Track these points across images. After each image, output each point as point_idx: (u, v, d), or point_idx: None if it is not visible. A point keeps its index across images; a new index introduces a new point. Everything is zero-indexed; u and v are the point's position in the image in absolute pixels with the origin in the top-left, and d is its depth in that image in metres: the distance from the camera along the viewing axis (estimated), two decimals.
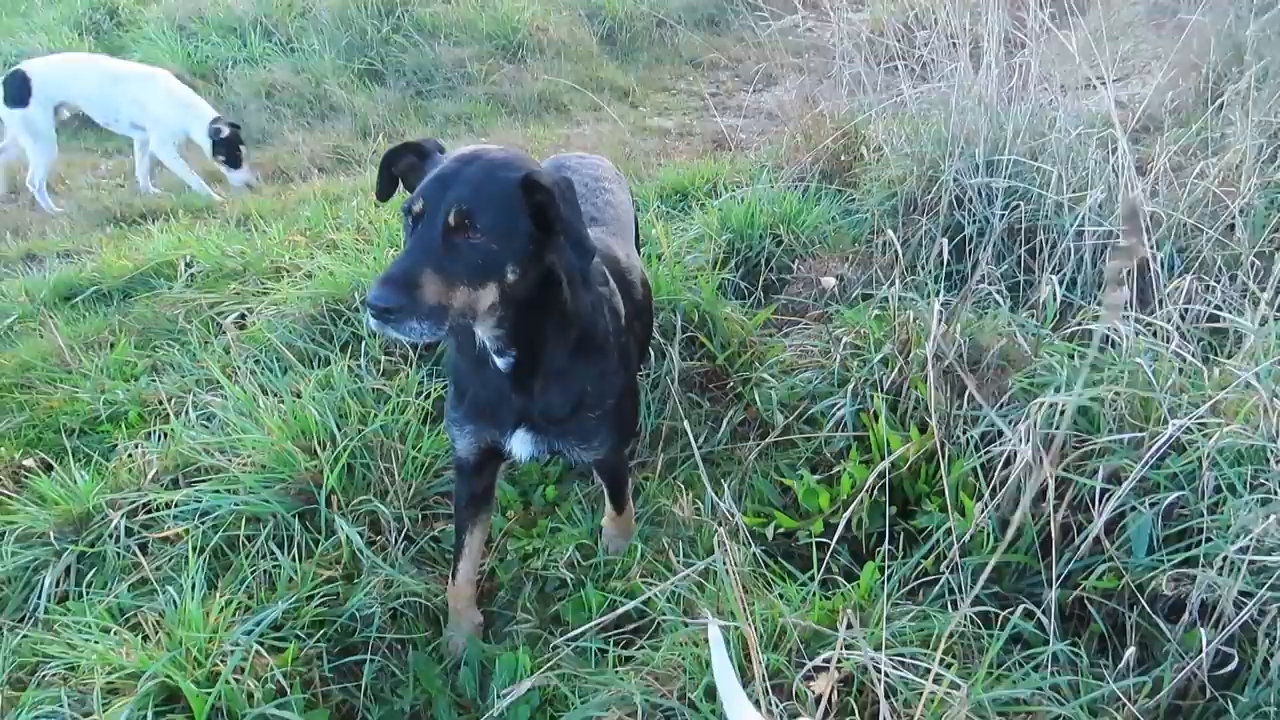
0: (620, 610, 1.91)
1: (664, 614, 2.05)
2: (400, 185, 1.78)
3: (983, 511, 2.19)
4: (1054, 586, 1.95)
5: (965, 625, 1.98)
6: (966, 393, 2.52)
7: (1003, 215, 3.34)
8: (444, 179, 1.57)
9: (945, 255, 2.73)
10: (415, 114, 6.65)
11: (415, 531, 2.49)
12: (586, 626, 1.99)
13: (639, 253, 2.85)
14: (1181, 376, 2.29)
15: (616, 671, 1.97)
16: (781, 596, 2.05)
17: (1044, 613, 1.97)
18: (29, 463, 2.84)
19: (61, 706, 1.93)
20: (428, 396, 2.81)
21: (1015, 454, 2.19)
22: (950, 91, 3.66)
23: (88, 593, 2.33)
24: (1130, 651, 1.82)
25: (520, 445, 1.93)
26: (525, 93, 7.02)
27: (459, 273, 1.52)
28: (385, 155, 1.76)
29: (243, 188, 5.44)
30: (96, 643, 2.02)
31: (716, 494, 2.56)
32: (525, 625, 2.27)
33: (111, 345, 3.40)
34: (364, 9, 7.53)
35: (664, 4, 8.53)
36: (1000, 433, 2.39)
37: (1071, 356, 2.50)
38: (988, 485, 2.24)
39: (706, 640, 1.84)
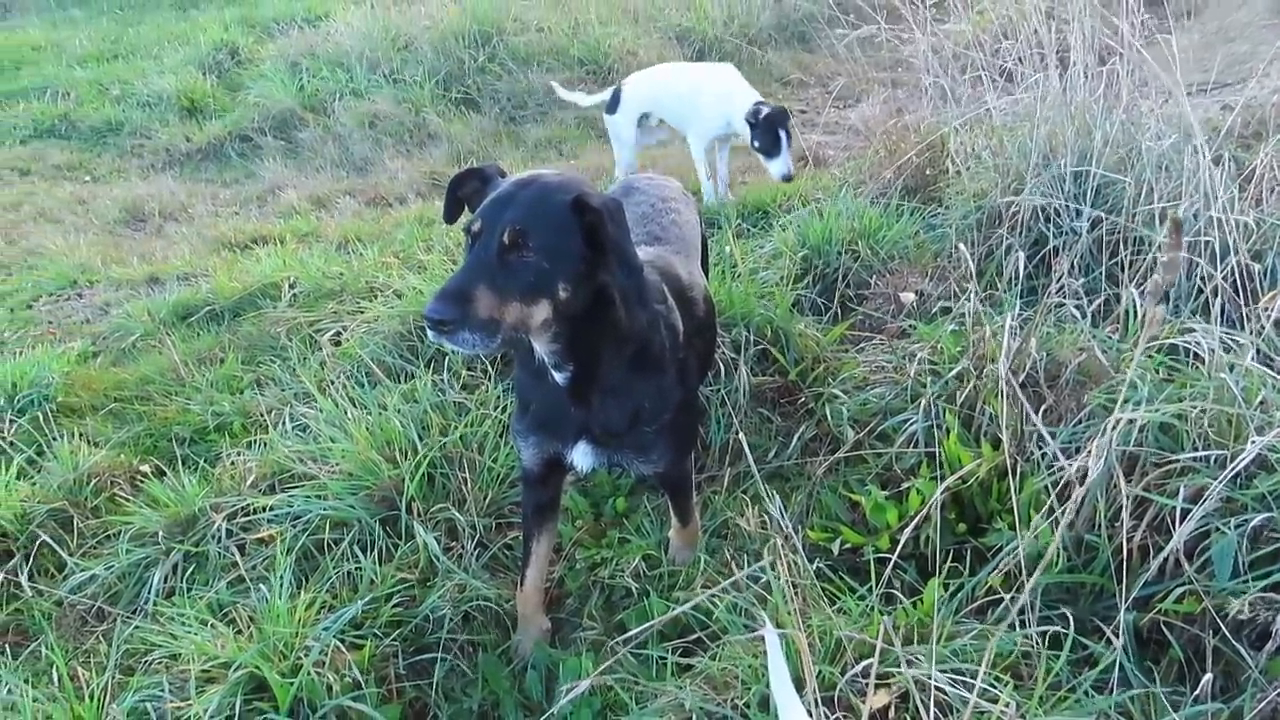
0: (674, 613, 1.95)
1: (724, 625, 2.08)
2: (466, 209, 1.89)
3: (1055, 530, 2.14)
4: (1126, 607, 1.89)
5: (1032, 646, 1.93)
6: (1042, 409, 2.46)
7: (1090, 228, 3.24)
8: (501, 201, 1.66)
9: (1022, 269, 2.67)
10: (508, 139, 6.88)
11: (489, 538, 2.59)
12: (645, 628, 2.04)
13: (708, 270, 2.89)
14: (1274, 392, 2.18)
15: (675, 679, 2.01)
16: (841, 611, 2.04)
17: (1116, 635, 1.91)
18: (145, 468, 3.08)
19: (163, 691, 2.09)
20: (505, 410, 2.92)
21: (1090, 471, 2.14)
22: (1037, 102, 3.58)
23: (191, 589, 2.52)
24: (1208, 678, 1.75)
25: (581, 457, 2.00)
26: None
27: (512, 289, 1.61)
28: (451, 181, 1.87)
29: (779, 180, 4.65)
30: (195, 635, 2.18)
31: (784, 508, 2.58)
32: (591, 632, 2.33)
33: (221, 361, 3.65)
34: (461, 40, 7.85)
35: (753, 23, 8.58)
36: (1077, 449, 2.33)
37: (1156, 372, 2.42)
38: (1061, 504, 2.18)
39: (764, 651, 1.86)
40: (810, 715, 1.64)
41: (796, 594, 2.09)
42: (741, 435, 1.91)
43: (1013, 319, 2.52)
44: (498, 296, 1.59)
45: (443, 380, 3.08)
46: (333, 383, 3.11)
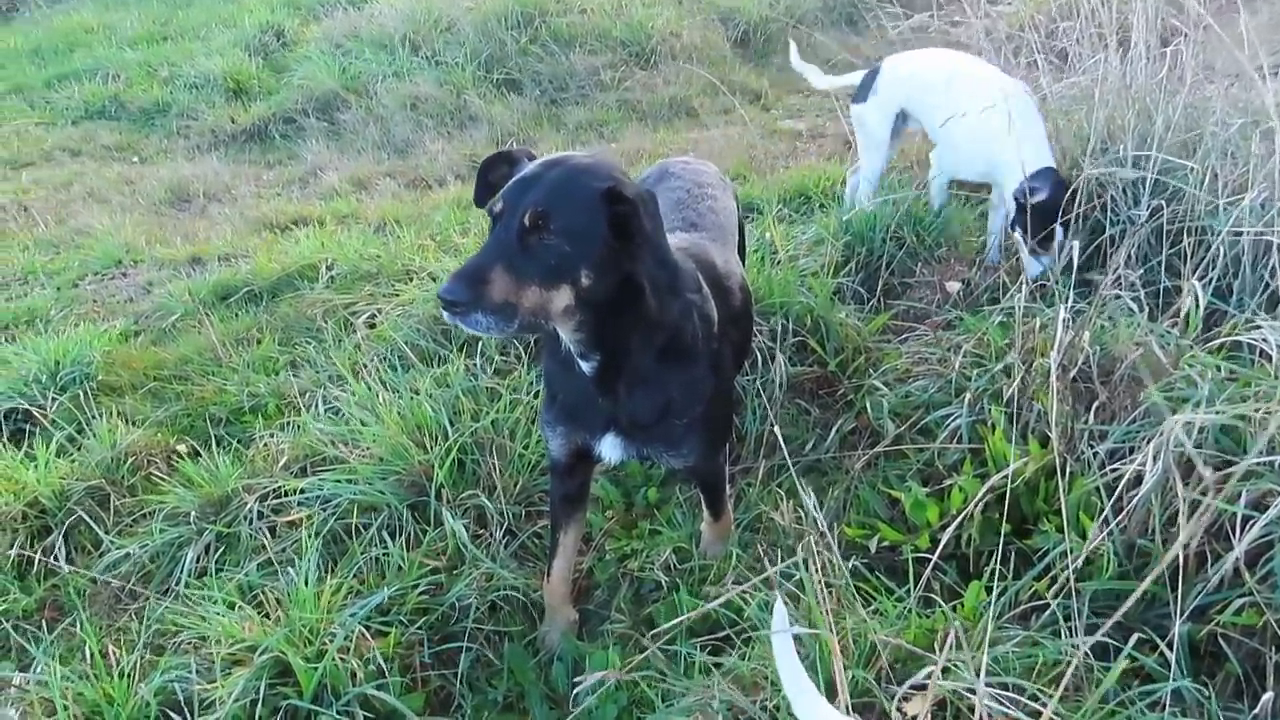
0: (703, 610, 1.90)
1: (754, 623, 2.02)
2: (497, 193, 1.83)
3: (1106, 534, 2.05)
4: (1182, 617, 1.79)
5: (1078, 655, 1.84)
6: (1094, 405, 2.36)
7: (1149, 215, 3.09)
8: (525, 181, 1.61)
9: (1076, 259, 2.55)
10: (548, 122, 6.82)
11: (518, 526, 2.56)
12: (672, 624, 1.98)
13: (746, 257, 2.81)
14: None
15: (704, 677, 1.95)
16: (877, 612, 1.97)
17: (1169, 647, 1.81)
18: (182, 448, 3.09)
19: (190, 673, 2.10)
20: (537, 395, 2.88)
21: (1146, 473, 2.04)
22: (1094, 85, 3.43)
23: (222, 570, 2.52)
24: (1268, 696, 1.65)
25: (610, 449, 1.95)
26: (656, 98, 7.07)
27: (530, 272, 1.55)
28: (482, 164, 1.82)
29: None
30: (222, 617, 2.17)
31: (820, 503, 2.50)
32: (619, 625, 2.28)
33: (258, 342, 3.66)
34: (504, 21, 7.80)
35: (800, 4, 8.40)
36: (1131, 450, 2.22)
37: (1218, 369, 2.29)
38: (1113, 506, 2.08)
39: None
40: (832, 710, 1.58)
41: (830, 594, 2.02)
42: (776, 428, 1.84)
43: (1065, 311, 2.41)
44: (515, 279, 1.54)
45: (475, 365, 3.05)
46: (365, 366, 3.10)
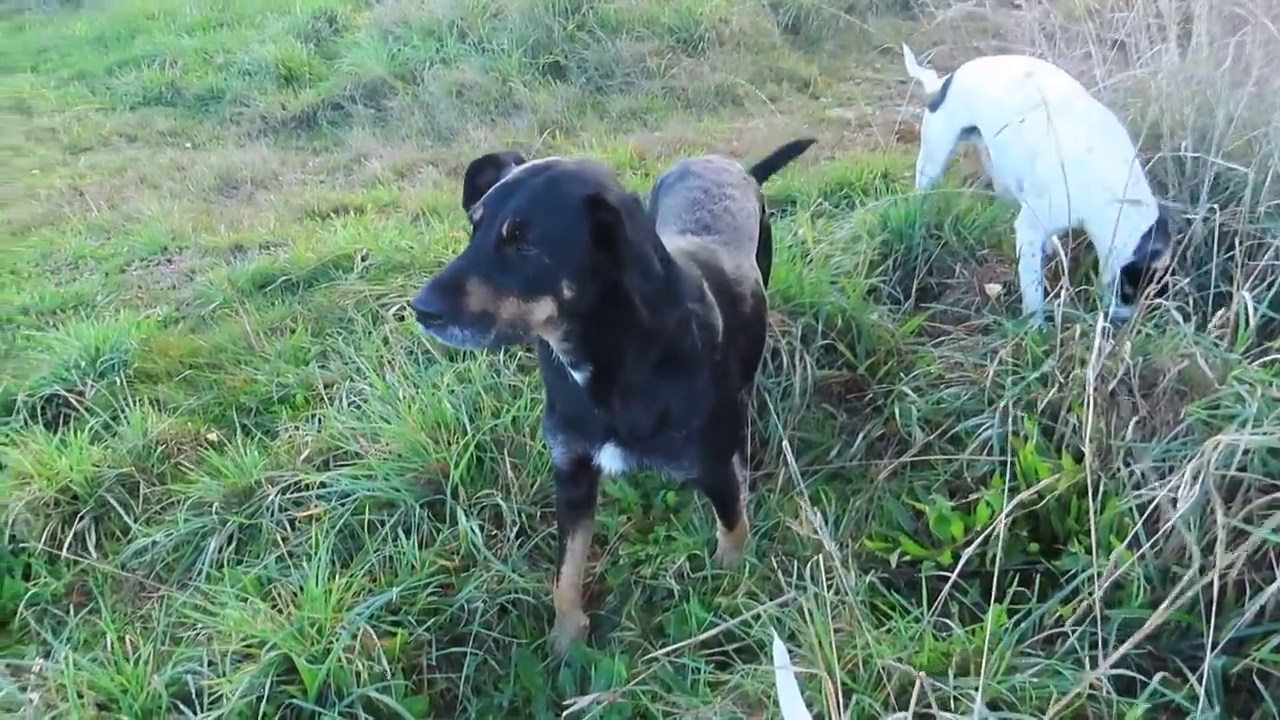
0: (715, 631, 1.86)
1: (762, 639, 1.96)
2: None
3: (1138, 558, 1.94)
4: (1216, 650, 1.69)
5: (1103, 689, 1.75)
6: (1133, 421, 2.24)
7: (1206, 218, 2.93)
8: (507, 189, 1.56)
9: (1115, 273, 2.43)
10: (592, 110, 6.77)
11: (532, 527, 2.53)
12: (682, 645, 1.94)
13: (771, 260, 2.74)
14: None
15: (710, 692, 1.91)
16: (889, 632, 1.90)
17: (1201, 681, 1.71)
18: (211, 437, 3.14)
19: (201, 666, 2.12)
20: None
21: (1183, 496, 1.93)
22: (1151, 77, 3.26)
23: (242, 561, 2.55)
24: None
25: (609, 460, 1.90)
26: (702, 86, 6.96)
27: (508, 284, 1.51)
28: (469, 167, 1.77)
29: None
30: (235, 611, 2.19)
31: (842, 512, 2.44)
32: (629, 633, 2.24)
33: (291, 331, 3.69)
34: (551, 7, 7.74)
35: None
36: (1170, 469, 2.11)
37: (1268, 386, 2.16)
38: (1148, 529, 1.97)
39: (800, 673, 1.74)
40: None
41: (843, 609, 1.96)
42: (785, 441, 1.78)
43: (1105, 319, 2.29)
44: (493, 290, 1.49)
45: (499, 361, 3.03)
46: (391, 361, 3.10)
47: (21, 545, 2.72)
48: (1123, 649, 1.54)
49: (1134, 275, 2.69)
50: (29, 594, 2.56)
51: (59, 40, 10.33)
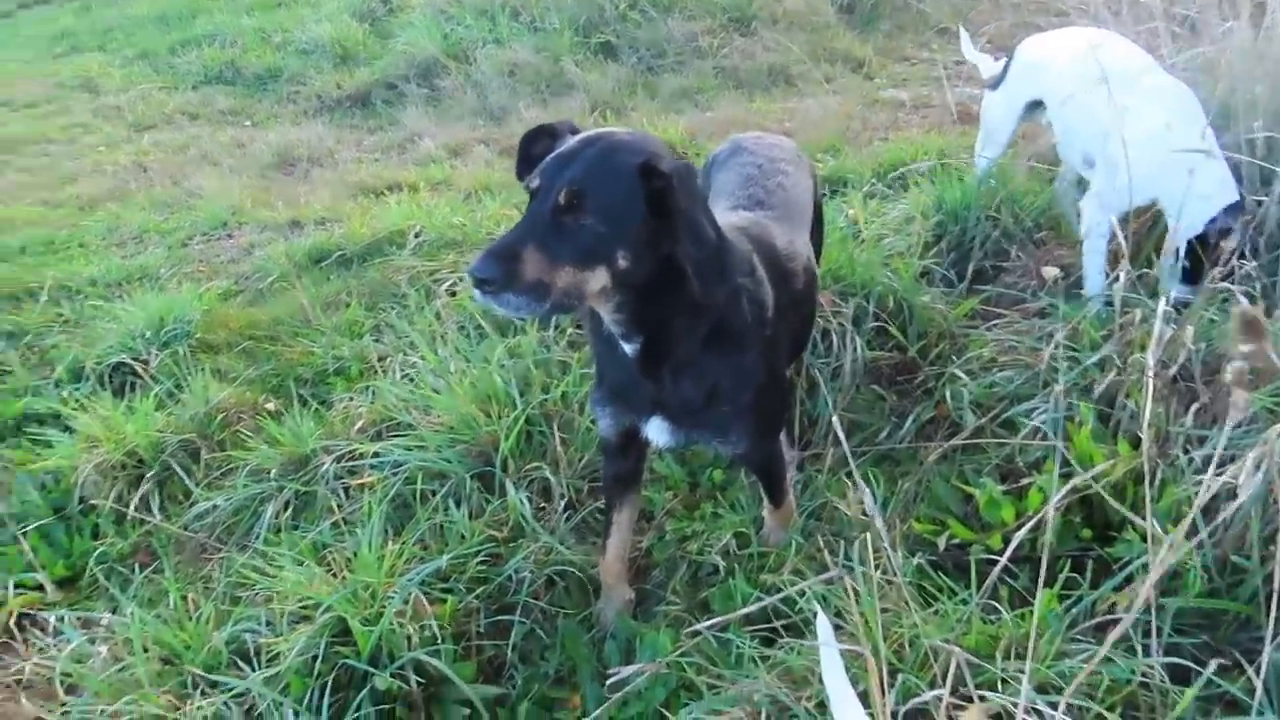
0: (759, 605, 1.86)
1: (807, 615, 1.97)
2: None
3: (1196, 546, 1.90)
4: (1273, 642, 1.65)
5: (1155, 677, 1.72)
6: (1193, 407, 2.19)
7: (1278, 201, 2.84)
8: (563, 158, 1.57)
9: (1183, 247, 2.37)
10: (643, 89, 6.75)
11: (580, 501, 2.56)
12: (726, 618, 1.94)
13: (822, 237, 2.72)
14: None
15: (754, 667, 1.92)
16: (936, 613, 1.89)
17: (1258, 673, 1.67)
18: (270, 406, 3.22)
19: (260, 625, 2.19)
20: None
21: (1244, 484, 1.88)
22: (1221, 55, 3.15)
23: (298, 527, 2.62)
24: None
25: (657, 433, 1.91)
26: (754, 66, 6.90)
27: (564, 252, 1.52)
28: (524, 137, 1.78)
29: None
30: (291, 573, 2.25)
31: (890, 494, 2.42)
32: (674, 608, 2.26)
33: (346, 305, 3.77)
34: None
35: None
36: (1232, 457, 2.06)
37: None
38: (1206, 517, 1.93)
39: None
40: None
41: (889, 591, 1.95)
42: (835, 419, 1.77)
43: (1167, 303, 2.24)
44: (549, 259, 1.50)
45: (549, 336, 3.06)
46: (443, 335, 3.14)
47: (91, 505, 2.83)
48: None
49: (1198, 253, 2.59)
50: (97, 552, 2.67)
51: (124, 20, 10.59)
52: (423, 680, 2.02)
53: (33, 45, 10.68)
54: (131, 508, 2.77)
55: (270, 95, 7.86)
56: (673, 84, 6.82)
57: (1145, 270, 2.79)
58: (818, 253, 2.59)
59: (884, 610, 1.88)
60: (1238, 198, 2.68)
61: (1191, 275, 2.64)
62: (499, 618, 2.23)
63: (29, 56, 10.28)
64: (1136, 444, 2.14)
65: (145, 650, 2.14)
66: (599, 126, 5.22)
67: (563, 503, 2.52)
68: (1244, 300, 2.31)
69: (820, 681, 1.79)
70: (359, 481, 2.64)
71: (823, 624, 1.48)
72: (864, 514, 2.27)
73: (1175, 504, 2.01)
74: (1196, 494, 1.96)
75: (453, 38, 7.80)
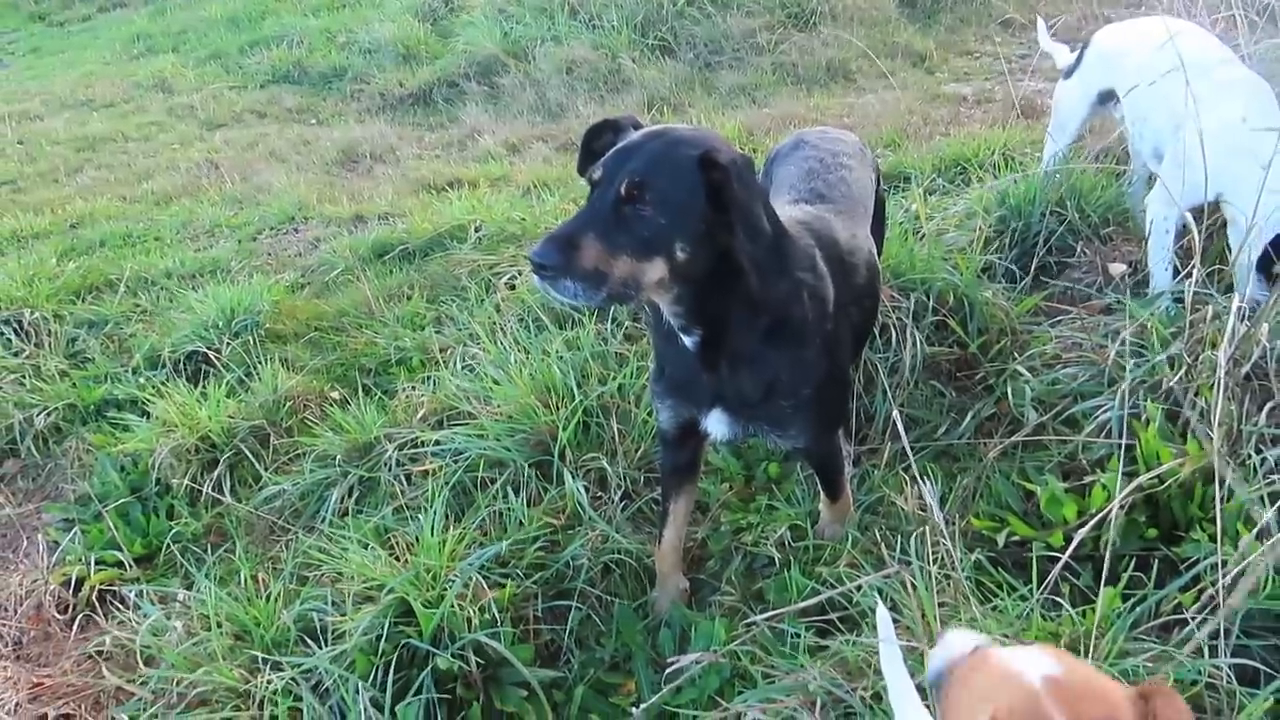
0: (817, 599, 1.87)
1: (864, 609, 1.97)
2: None
3: (1268, 548, 1.85)
4: None
5: (1222, 679, 1.69)
6: (1268, 407, 2.13)
7: None
8: (626, 151, 1.59)
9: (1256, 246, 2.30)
10: (700, 86, 6.75)
11: (636, 491, 2.59)
12: (783, 610, 1.97)
13: (884, 232, 2.70)
14: None
15: (809, 657, 1.93)
16: (996, 609, 1.88)
17: None
18: (334, 395, 3.32)
19: (326, 604, 2.26)
20: None
21: None
22: None
23: (362, 511, 2.70)
24: None
25: (716, 425, 1.93)
26: (813, 61, 6.85)
27: (624, 242, 1.54)
28: (587, 132, 1.82)
29: None
30: (357, 556, 2.32)
31: (949, 490, 2.40)
32: (729, 598, 2.28)
33: (408, 298, 3.85)
34: None
35: None
36: None
37: None
38: (1278, 518, 1.88)
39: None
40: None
41: (948, 586, 1.94)
42: (896, 413, 1.76)
43: (1241, 300, 2.18)
44: (607, 248, 1.53)
45: (606, 329, 3.09)
46: (502, 327, 3.20)
47: (166, 486, 2.95)
48: None
49: (1270, 254, 2.52)
50: (173, 531, 2.78)
51: (196, 22, 10.94)
52: (482, 661, 2.08)
53: (110, 47, 11.10)
54: (205, 490, 2.88)
55: (335, 94, 8.06)
56: (730, 80, 6.81)
57: (1216, 267, 2.73)
58: (879, 247, 2.58)
59: (941, 605, 1.87)
60: None
61: (1267, 274, 2.55)
62: (556, 603, 2.27)
63: (107, 58, 10.69)
64: (1205, 444, 2.10)
65: (218, 626, 2.22)
66: (657, 123, 5.26)
67: (619, 492, 2.56)
68: None
69: (876, 673, 1.79)
70: (421, 468, 2.70)
71: (882, 617, 1.48)
72: (922, 509, 2.27)
73: (1245, 504, 1.96)
74: (1268, 495, 1.92)
75: (512, 36, 7.89)
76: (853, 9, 7.42)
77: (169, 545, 2.74)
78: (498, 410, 2.78)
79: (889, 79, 6.27)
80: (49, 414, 3.43)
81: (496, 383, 2.84)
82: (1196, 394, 2.26)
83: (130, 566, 2.71)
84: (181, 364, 3.57)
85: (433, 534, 2.30)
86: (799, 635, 1.99)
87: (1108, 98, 3.22)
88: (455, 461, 2.66)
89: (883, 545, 2.14)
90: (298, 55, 8.76)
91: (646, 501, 2.55)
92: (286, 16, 9.89)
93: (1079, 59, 3.32)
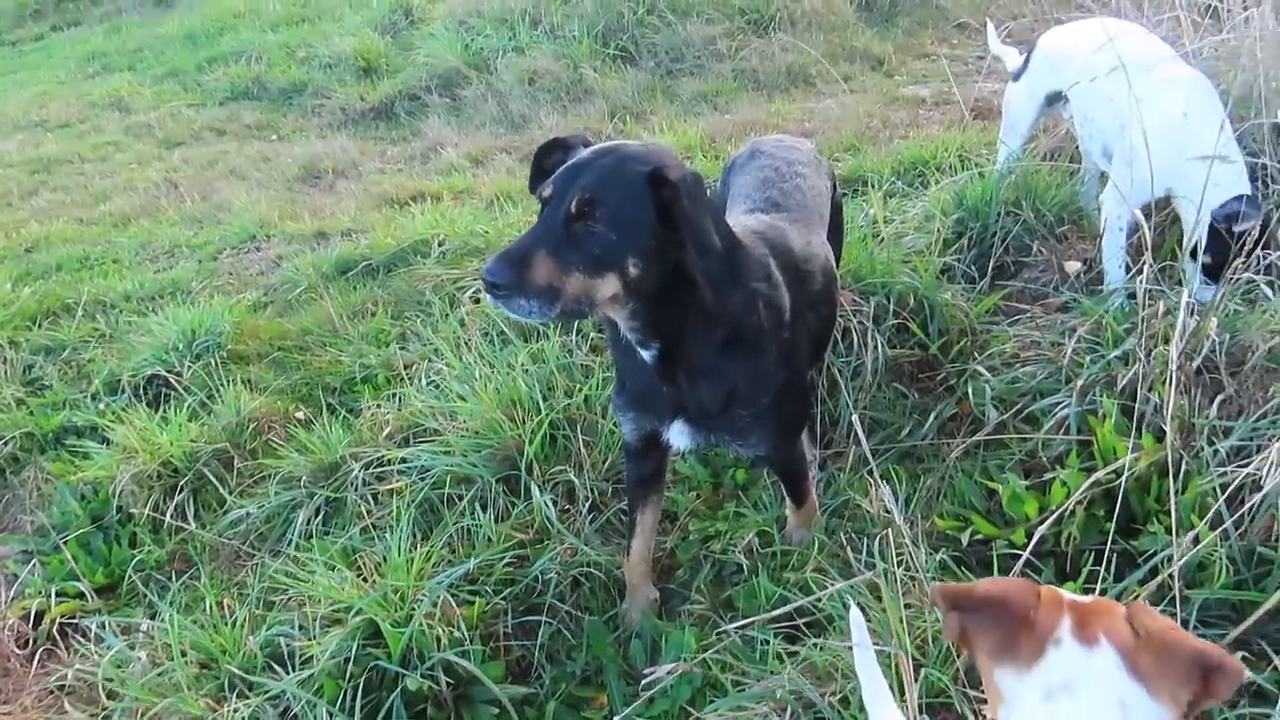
0: (786, 609, 1.88)
1: (830, 612, 1.98)
2: None
3: (1221, 538, 1.89)
4: None
5: None
6: (1218, 399, 2.18)
7: None
8: (576, 168, 1.60)
9: (1204, 239, 2.35)
10: (662, 94, 6.78)
11: (604, 503, 2.59)
12: (752, 620, 1.97)
13: (842, 238, 2.73)
14: None
15: (778, 664, 1.94)
16: None
17: None
18: (299, 415, 3.29)
19: (293, 629, 2.24)
20: None
21: (1269, 475, 1.87)
22: (1243, 43, 3.12)
23: (329, 533, 2.68)
24: None
25: (678, 437, 1.94)
26: (773, 67, 6.90)
27: (575, 259, 1.55)
28: (538, 151, 1.82)
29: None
30: (324, 578, 2.30)
31: (914, 490, 2.43)
32: (698, 607, 2.29)
33: (372, 314, 3.82)
34: None
35: None
36: (1257, 449, 2.05)
37: None
38: (1232, 509, 1.92)
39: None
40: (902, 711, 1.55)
41: (914, 587, 1.96)
42: (855, 419, 1.78)
43: (1190, 295, 2.23)
44: (559, 265, 1.54)
45: (571, 341, 3.09)
46: (467, 342, 3.19)
47: (128, 514, 2.91)
48: None
49: (1218, 249, 2.57)
50: (135, 560, 2.74)
51: (152, 40, 10.79)
52: (452, 681, 2.06)
53: (65, 66, 10.91)
54: (168, 516, 2.85)
55: (295, 109, 7.98)
56: (692, 88, 6.84)
57: (1168, 263, 2.78)
58: (837, 254, 2.60)
59: (907, 606, 1.89)
60: (1249, 190, 2.65)
61: (1213, 271, 2.61)
62: (526, 618, 2.26)
63: (62, 77, 10.51)
64: (1160, 437, 2.14)
65: (183, 655, 2.19)
66: (619, 132, 5.29)
67: (587, 505, 2.56)
68: (1269, 291, 2.29)
69: (844, 677, 1.81)
70: (387, 487, 2.69)
71: (856, 620, 1.49)
72: (886, 511, 2.29)
73: (1200, 496, 2.00)
74: (1221, 486, 1.96)
75: (473, 47, 7.87)
76: (811, 14, 7.48)
77: (131, 574, 2.70)
78: (464, 426, 2.77)
79: (848, 83, 6.34)
80: (5, 443, 3.37)
81: (462, 398, 2.83)
82: (1150, 389, 2.30)
83: (92, 598, 2.66)
84: (142, 388, 3.52)
85: (400, 553, 2.29)
86: (768, 642, 2.00)
87: (1056, 99, 3.29)
88: (422, 479, 2.65)
89: (849, 549, 2.16)
90: (257, 71, 8.67)
91: (615, 513, 2.56)
92: (245, 32, 9.79)
93: (1026, 61, 3.38)
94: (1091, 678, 0.96)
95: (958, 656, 1.79)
